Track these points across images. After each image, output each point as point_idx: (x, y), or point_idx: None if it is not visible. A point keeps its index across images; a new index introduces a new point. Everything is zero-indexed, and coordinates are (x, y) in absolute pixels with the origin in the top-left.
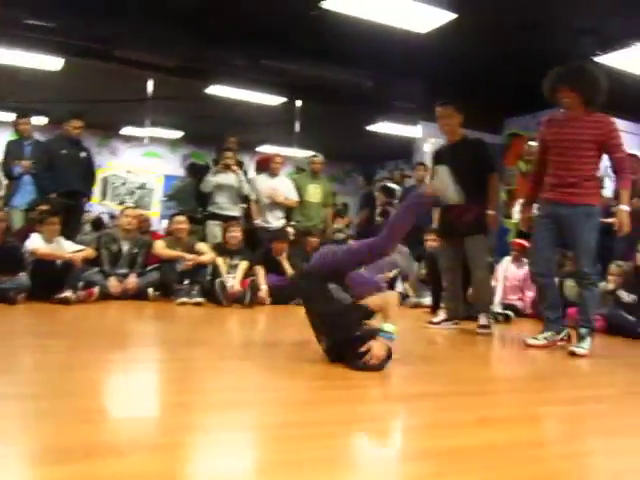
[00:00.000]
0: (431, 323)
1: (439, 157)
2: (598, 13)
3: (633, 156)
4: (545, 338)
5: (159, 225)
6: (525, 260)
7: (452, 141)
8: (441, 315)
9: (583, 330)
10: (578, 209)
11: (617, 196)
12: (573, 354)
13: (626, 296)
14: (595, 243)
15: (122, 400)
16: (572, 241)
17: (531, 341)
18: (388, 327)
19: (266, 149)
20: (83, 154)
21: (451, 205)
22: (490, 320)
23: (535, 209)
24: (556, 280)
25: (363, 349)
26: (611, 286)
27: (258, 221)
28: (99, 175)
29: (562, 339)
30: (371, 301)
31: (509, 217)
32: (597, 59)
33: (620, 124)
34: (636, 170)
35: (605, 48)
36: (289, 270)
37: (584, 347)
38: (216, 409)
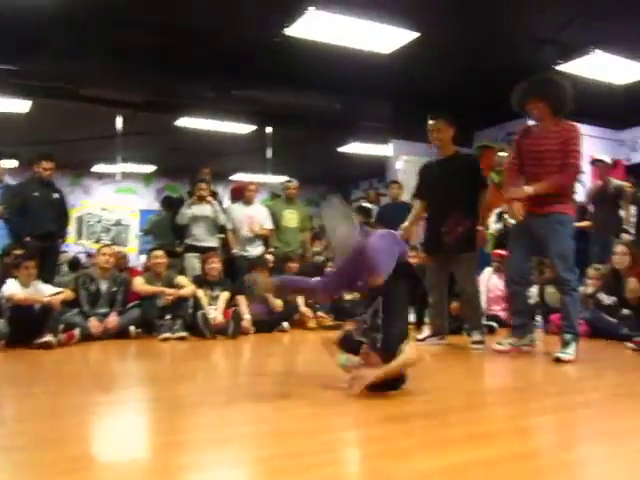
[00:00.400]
0: (416, 340)
1: (426, 171)
2: (557, 23)
3: (600, 161)
4: (510, 343)
5: (137, 261)
6: None
7: (443, 156)
8: (426, 331)
9: (567, 336)
10: (551, 218)
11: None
12: (558, 360)
13: (606, 298)
14: (571, 249)
15: (111, 444)
16: (548, 249)
17: (496, 346)
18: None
19: (240, 177)
20: (55, 195)
21: (442, 220)
22: (484, 335)
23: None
24: (536, 287)
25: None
26: (590, 290)
27: (236, 250)
28: (74, 214)
29: (525, 345)
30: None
31: (486, 228)
32: (559, 68)
33: (585, 129)
34: (602, 174)
35: (566, 57)
36: (271, 298)
37: (569, 353)
38: (208, 446)
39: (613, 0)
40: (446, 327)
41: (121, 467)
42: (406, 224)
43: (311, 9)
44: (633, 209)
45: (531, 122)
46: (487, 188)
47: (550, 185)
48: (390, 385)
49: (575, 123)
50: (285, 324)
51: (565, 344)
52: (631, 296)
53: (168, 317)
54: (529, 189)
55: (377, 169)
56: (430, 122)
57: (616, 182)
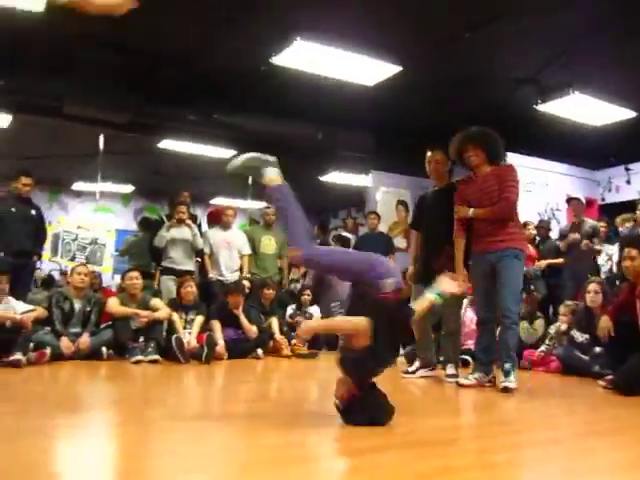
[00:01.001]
0: (406, 372)
1: (422, 202)
2: (537, 63)
3: (575, 199)
4: (475, 378)
5: (112, 281)
6: None
7: (439, 187)
8: (416, 363)
9: (507, 365)
10: (507, 252)
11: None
12: (506, 389)
13: (579, 336)
14: (521, 284)
15: (75, 469)
16: (500, 281)
17: (463, 381)
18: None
19: (220, 201)
20: (33, 212)
21: (434, 251)
22: (458, 369)
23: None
24: None
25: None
26: (564, 327)
27: (213, 275)
28: (50, 231)
29: (489, 380)
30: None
31: None
32: (538, 107)
33: (562, 168)
34: (578, 213)
35: (545, 97)
36: (246, 324)
37: (512, 380)
38: (175, 474)
39: (590, 43)
40: (433, 358)
41: None
42: (410, 268)
43: (298, 39)
44: (607, 249)
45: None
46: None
47: (486, 213)
48: (375, 419)
49: (511, 164)
50: (259, 351)
51: (507, 373)
52: (602, 334)
53: (141, 339)
54: (470, 212)
55: (356, 199)
56: (429, 154)
57: (591, 222)
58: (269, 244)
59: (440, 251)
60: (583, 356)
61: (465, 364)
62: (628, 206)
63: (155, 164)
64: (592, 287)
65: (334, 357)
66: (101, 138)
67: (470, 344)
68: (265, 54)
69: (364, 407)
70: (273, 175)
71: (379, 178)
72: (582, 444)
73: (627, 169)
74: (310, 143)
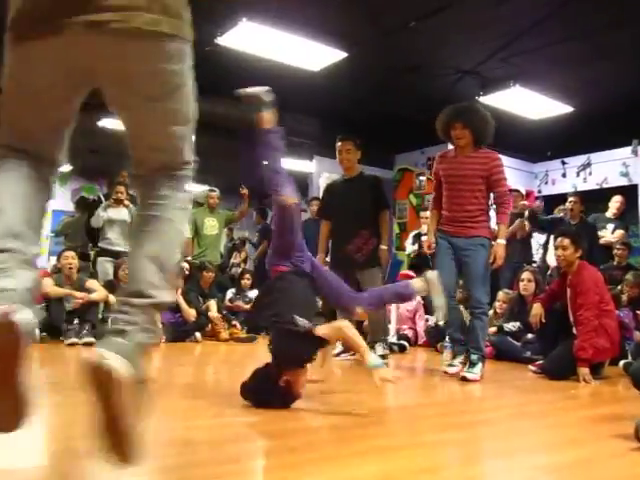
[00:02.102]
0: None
1: (332, 190)
2: (479, 56)
3: (515, 191)
4: (460, 362)
5: (48, 262)
6: None
7: (348, 175)
8: (339, 347)
9: (474, 356)
10: (474, 240)
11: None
12: (465, 379)
13: (511, 327)
14: (488, 274)
15: (7, 450)
16: (468, 271)
17: (448, 369)
18: (372, 358)
19: None
20: None
21: (348, 238)
22: (386, 349)
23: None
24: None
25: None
26: (499, 311)
27: None
28: None
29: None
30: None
31: (402, 249)
32: (479, 99)
33: (502, 160)
34: (517, 204)
35: (486, 89)
36: (184, 307)
37: (475, 372)
38: None
39: (532, 39)
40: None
41: (15, 475)
42: (320, 255)
43: (244, 20)
44: (539, 238)
45: (450, 147)
46: (388, 209)
47: (505, 224)
48: (282, 400)
49: (495, 152)
50: (197, 334)
51: (472, 364)
52: (533, 321)
53: (76, 322)
54: (503, 242)
55: (299, 185)
56: (339, 143)
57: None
58: (213, 225)
59: (354, 236)
60: (515, 342)
61: (402, 349)
62: (563, 198)
63: (94, 143)
64: (525, 276)
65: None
66: None
67: (405, 329)
68: (210, 34)
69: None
70: (270, 117)
71: (322, 164)
72: (509, 426)
73: (563, 163)
74: (254, 126)
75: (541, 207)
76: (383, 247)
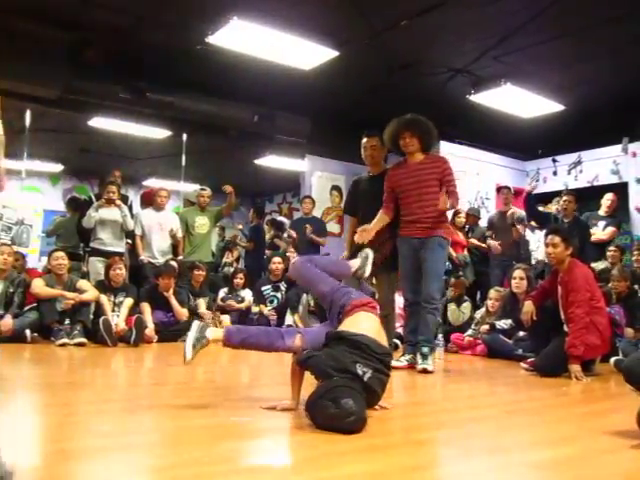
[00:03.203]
0: None
1: (357, 187)
2: (470, 55)
3: (506, 188)
4: (407, 360)
5: (39, 263)
6: None
7: (374, 173)
8: None
9: (425, 349)
10: (431, 239)
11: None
12: (425, 371)
13: (503, 324)
14: (443, 272)
15: None
16: (425, 267)
17: (395, 363)
18: None
19: (153, 183)
20: None
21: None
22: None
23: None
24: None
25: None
26: (491, 309)
27: (144, 257)
28: None
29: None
30: None
31: None
32: (471, 97)
33: (493, 158)
34: (508, 201)
35: (477, 87)
36: (176, 306)
37: (430, 363)
38: (101, 454)
39: (522, 37)
40: None
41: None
42: (346, 252)
43: (235, 19)
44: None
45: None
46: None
47: (450, 201)
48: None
49: (443, 156)
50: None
51: (424, 357)
52: (525, 318)
53: (67, 322)
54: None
55: (291, 183)
56: (364, 140)
57: (519, 211)
58: (203, 224)
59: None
60: (507, 340)
61: (395, 348)
62: (554, 196)
63: (85, 142)
64: (517, 273)
65: None
66: (28, 114)
67: (398, 327)
68: (201, 33)
69: None
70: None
71: (314, 163)
72: (501, 423)
73: (554, 161)
74: (246, 126)
75: (535, 186)
76: None
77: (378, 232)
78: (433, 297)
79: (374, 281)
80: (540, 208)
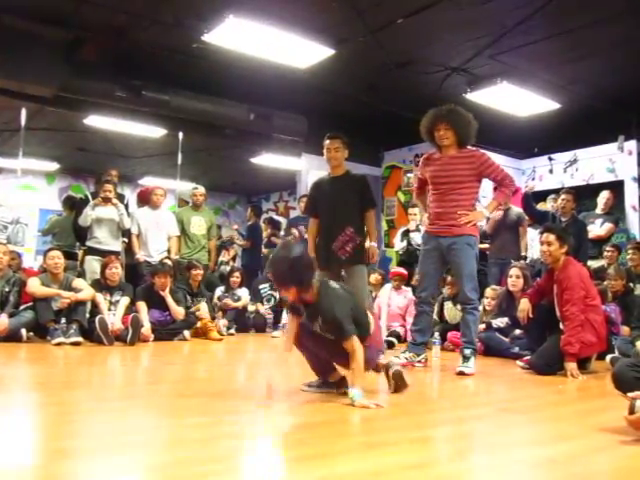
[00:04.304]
0: None
1: (319, 188)
2: (467, 54)
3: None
4: (406, 358)
5: (35, 261)
6: (405, 288)
7: (335, 174)
8: None
9: (467, 351)
10: (460, 239)
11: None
12: (462, 374)
13: (499, 322)
14: (476, 270)
15: None
16: (456, 269)
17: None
18: (354, 393)
19: (149, 181)
20: None
21: (333, 235)
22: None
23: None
24: (437, 305)
25: None
26: (487, 308)
27: (140, 256)
28: None
29: (420, 361)
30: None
31: (391, 246)
32: (467, 96)
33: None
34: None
35: (473, 86)
36: (172, 305)
37: (470, 367)
38: (98, 453)
39: (518, 36)
40: None
41: (3, 475)
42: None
43: (231, 17)
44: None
45: (432, 150)
46: (374, 207)
47: (497, 201)
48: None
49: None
50: (186, 333)
51: (466, 359)
52: (521, 316)
53: (63, 321)
54: (487, 213)
55: (288, 182)
56: (327, 141)
57: (517, 209)
58: (199, 224)
59: (339, 233)
60: (504, 338)
61: (391, 346)
62: (550, 195)
63: (81, 141)
64: (513, 272)
65: (262, 341)
66: (23, 112)
67: (395, 326)
68: (197, 31)
69: None
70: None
71: (311, 161)
72: (498, 421)
73: (550, 159)
74: (242, 124)
75: (533, 187)
76: (372, 244)
77: (347, 229)
78: (470, 298)
79: (343, 272)
80: (538, 206)
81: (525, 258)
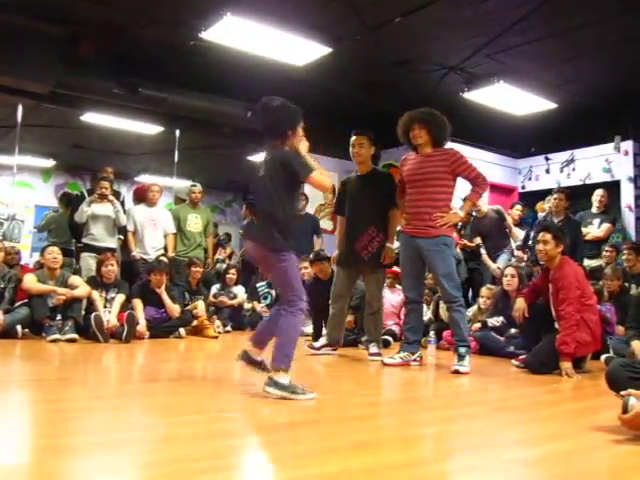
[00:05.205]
0: (312, 347)
1: (346, 186)
2: (464, 53)
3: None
4: (401, 357)
5: (30, 258)
6: (399, 287)
7: (362, 172)
8: (322, 340)
9: (462, 350)
10: (435, 240)
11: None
12: (457, 372)
13: (495, 322)
14: (454, 269)
15: None
16: (435, 270)
17: (388, 360)
18: None
19: (145, 179)
20: None
21: (357, 233)
22: (381, 348)
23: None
24: (432, 304)
25: None
26: (483, 307)
27: (136, 253)
28: None
29: (415, 360)
30: None
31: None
32: (464, 95)
33: (485, 155)
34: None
35: (471, 85)
36: (168, 302)
37: (465, 365)
38: (92, 451)
39: (515, 35)
40: (341, 339)
41: None
42: (335, 252)
43: (228, 15)
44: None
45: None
46: (398, 208)
47: (471, 201)
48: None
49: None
50: (181, 330)
51: (461, 357)
52: (517, 315)
53: (59, 318)
54: (461, 214)
55: None
56: (353, 137)
57: (493, 207)
58: (195, 222)
59: (363, 233)
60: (499, 337)
61: (386, 344)
62: (546, 194)
63: (78, 138)
64: (508, 271)
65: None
66: (20, 109)
67: (389, 325)
68: (194, 29)
69: None
70: None
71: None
72: (492, 419)
73: (547, 159)
74: (239, 122)
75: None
76: (390, 245)
77: (370, 228)
78: (454, 296)
79: (362, 279)
80: (538, 209)
81: (525, 243)
